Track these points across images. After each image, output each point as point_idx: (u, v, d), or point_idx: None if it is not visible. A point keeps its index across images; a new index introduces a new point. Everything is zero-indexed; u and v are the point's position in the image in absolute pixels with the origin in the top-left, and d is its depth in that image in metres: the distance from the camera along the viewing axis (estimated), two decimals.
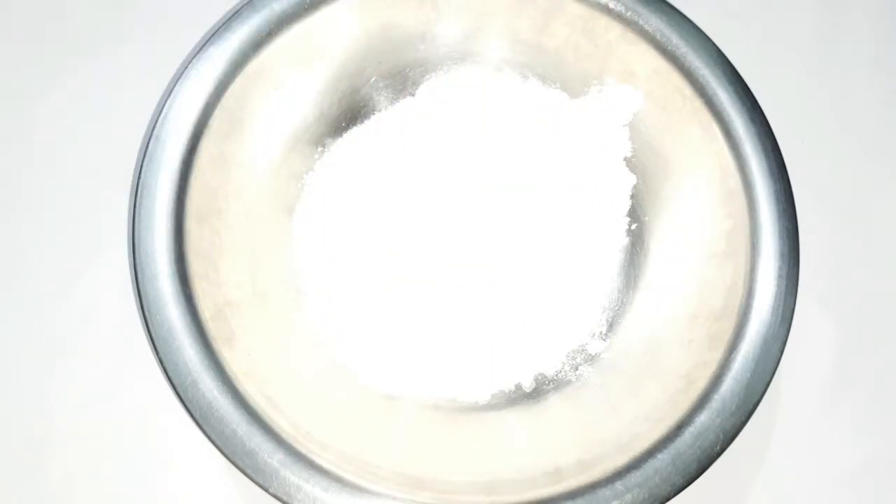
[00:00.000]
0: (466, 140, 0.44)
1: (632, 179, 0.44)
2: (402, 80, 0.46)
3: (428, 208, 0.43)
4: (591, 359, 0.42)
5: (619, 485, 0.35)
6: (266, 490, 0.34)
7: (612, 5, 0.42)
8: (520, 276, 0.42)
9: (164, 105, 0.39)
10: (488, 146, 0.44)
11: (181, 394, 0.35)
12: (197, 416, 0.35)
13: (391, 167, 0.44)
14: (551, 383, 0.41)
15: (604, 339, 0.42)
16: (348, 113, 0.45)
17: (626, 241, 0.44)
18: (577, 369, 0.41)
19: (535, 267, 0.42)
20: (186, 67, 0.39)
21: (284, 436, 0.35)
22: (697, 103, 0.41)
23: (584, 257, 0.43)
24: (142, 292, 0.36)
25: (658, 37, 0.42)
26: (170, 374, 0.35)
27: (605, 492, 0.35)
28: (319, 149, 0.44)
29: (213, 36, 0.40)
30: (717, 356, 0.37)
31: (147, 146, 0.38)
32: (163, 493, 0.40)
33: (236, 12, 0.41)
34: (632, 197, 0.44)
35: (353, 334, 0.41)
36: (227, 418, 0.35)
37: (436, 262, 0.42)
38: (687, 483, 0.35)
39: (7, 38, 0.48)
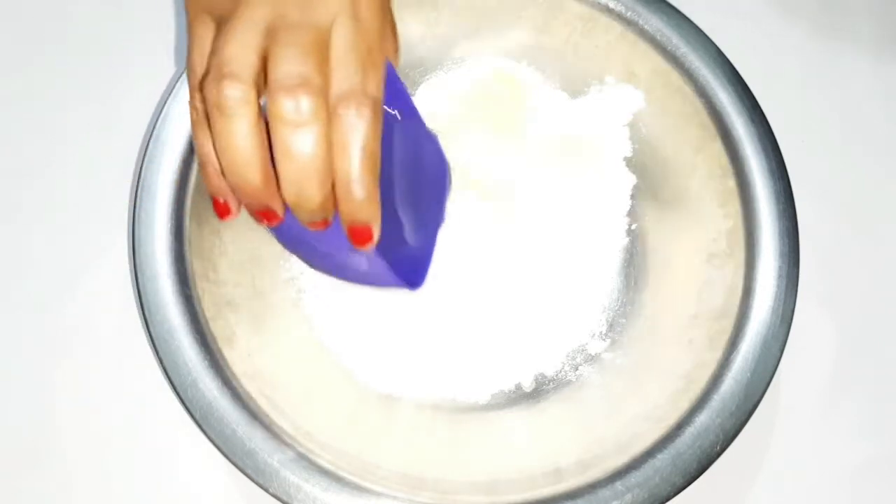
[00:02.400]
0: (466, 140, 0.44)
1: (632, 179, 0.44)
2: (402, 80, 0.46)
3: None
4: (591, 359, 0.42)
5: (619, 485, 0.35)
6: (266, 490, 0.34)
7: (612, 5, 0.42)
8: (520, 276, 0.42)
9: (164, 105, 0.39)
10: (488, 146, 0.44)
11: (181, 394, 0.35)
12: (197, 416, 0.35)
13: None
14: (551, 383, 0.41)
15: (604, 340, 0.42)
16: None
17: (626, 241, 0.44)
18: (577, 369, 0.41)
19: (536, 267, 0.42)
20: None
21: (284, 436, 0.35)
22: (697, 103, 0.41)
23: (584, 257, 0.43)
24: (142, 292, 0.36)
25: (658, 37, 0.42)
26: (170, 374, 0.35)
27: (605, 492, 0.35)
28: None
29: None
30: (717, 356, 0.37)
31: (147, 146, 0.38)
32: (163, 493, 0.40)
33: None
34: (632, 197, 0.44)
35: (352, 334, 0.41)
36: (227, 418, 0.35)
37: (436, 262, 0.42)
38: (687, 483, 0.35)
39: (7, 38, 0.47)
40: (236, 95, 0.26)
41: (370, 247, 0.29)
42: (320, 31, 0.28)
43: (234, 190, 0.28)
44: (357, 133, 0.27)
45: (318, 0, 0.28)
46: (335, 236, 0.29)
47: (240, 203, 0.30)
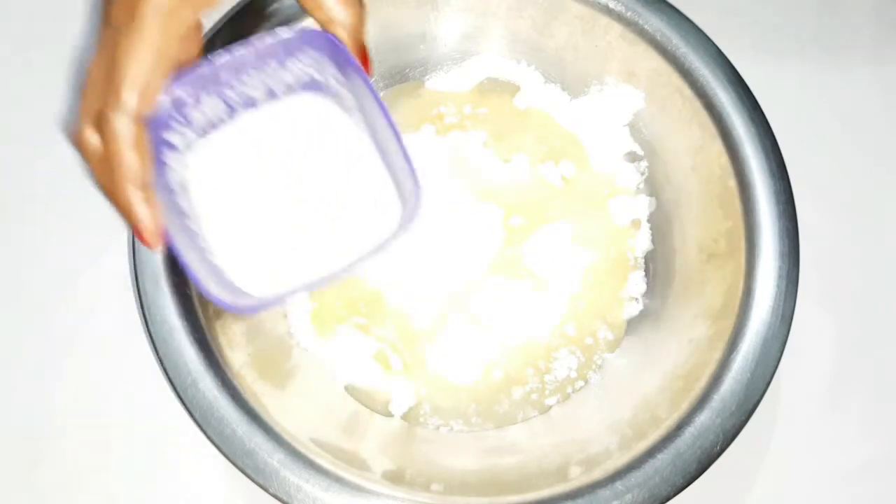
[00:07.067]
0: (466, 140, 0.44)
1: (631, 180, 0.44)
2: (402, 80, 0.46)
3: (427, 212, 0.43)
4: (591, 359, 0.42)
5: (619, 485, 0.35)
6: (266, 490, 0.34)
7: (612, 5, 0.42)
8: (519, 276, 0.42)
9: None
10: (488, 146, 0.44)
11: (181, 394, 0.35)
12: (197, 416, 0.35)
13: None
14: (552, 384, 0.41)
15: (605, 339, 0.42)
16: None
17: (626, 241, 0.44)
18: (577, 370, 0.41)
19: (535, 267, 0.42)
20: None
21: (284, 436, 0.35)
22: (697, 103, 0.41)
23: (584, 257, 0.43)
24: (142, 292, 0.36)
25: (658, 37, 0.42)
26: (170, 374, 0.35)
27: (604, 492, 0.35)
28: None
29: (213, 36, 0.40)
30: (717, 356, 0.37)
31: None
32: (163, 493, 0.40)
33: (236, 13, 0.41)
34: (631, 197, 0.44)
35: (350, 336, 0.41)
36: (227, 418, 0.35)
37: (435, 264, 0.42)
38: (687, 483, 0.35)
39: (7, 37, 0.48)
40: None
41: (152, 246, 0.30)
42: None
43: None
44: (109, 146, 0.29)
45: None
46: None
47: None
